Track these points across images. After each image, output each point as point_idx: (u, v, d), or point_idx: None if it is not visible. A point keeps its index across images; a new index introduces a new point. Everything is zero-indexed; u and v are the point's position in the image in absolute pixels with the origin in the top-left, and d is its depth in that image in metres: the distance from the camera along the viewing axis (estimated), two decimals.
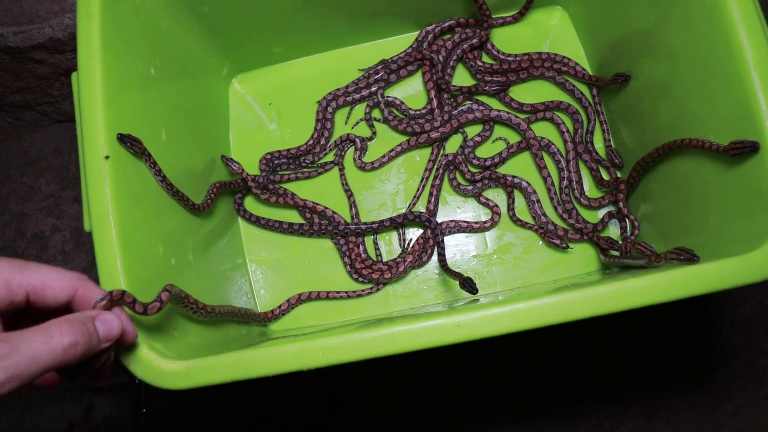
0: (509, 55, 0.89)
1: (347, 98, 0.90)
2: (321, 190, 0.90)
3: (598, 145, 0.87)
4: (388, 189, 0.89)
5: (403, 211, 0.87)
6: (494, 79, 0.88)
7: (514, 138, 0.88)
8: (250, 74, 0.94)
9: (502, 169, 0.87)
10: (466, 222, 0.85)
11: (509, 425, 1.04)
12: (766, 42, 0.57)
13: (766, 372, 1.02)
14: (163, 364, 0.54)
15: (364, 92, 0.90)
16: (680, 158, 0.69)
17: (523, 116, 0.88)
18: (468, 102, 0.89)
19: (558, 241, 0.82)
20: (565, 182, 0.85)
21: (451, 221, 0.85)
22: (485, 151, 0.88)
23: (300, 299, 0.85)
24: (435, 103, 0.88)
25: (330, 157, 0.91)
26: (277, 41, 0.90)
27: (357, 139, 0.89)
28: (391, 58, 0.90)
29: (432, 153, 0.88)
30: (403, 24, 0.91)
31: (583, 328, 1.03)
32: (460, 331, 0.52)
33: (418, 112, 0.89)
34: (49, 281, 0.45)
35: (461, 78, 0.91)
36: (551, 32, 0.91)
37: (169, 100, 0.74)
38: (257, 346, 0.57)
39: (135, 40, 0.68)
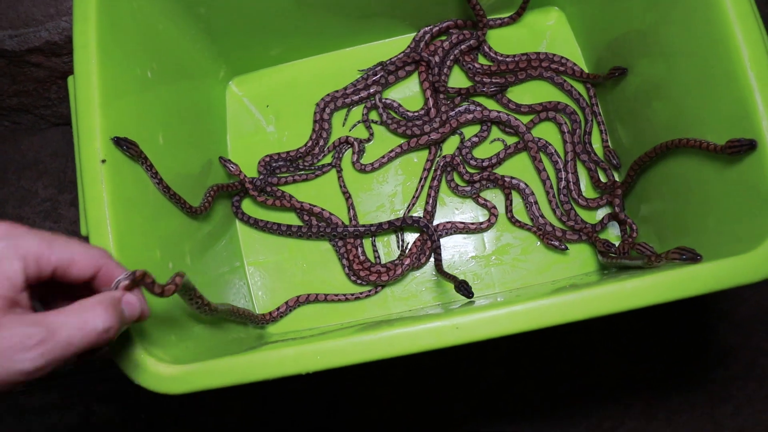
0: (507, 56, 0.89)
1: (345, 100, 0.90)
2: (319, 193, 0.89)
3: (596, 145, 0.87)
4: (386, 191, 0.89)
5: (402, 213, 0.87)
6: (492, 80, 0.88)
7: (511, 139, 0.88)
8: (247, 76, 0.94)
9: (500, 170, 0.87)
10: (463, 223, 0.85)
11: (509, 425, 1.04)
12: (762, 41, 0.57)
13: (766, 371, 1.02)
14: (161, 369, 0.53)
15: (363, 94, 0.90)
16: (678, 159, 0.69)
17: (520, 117, 0.88)
18: (465, 103, 0.89)
19: (557, 243, 0.82)
20: (563, 183, 0.85)
21: (448, 222, 0.85)
22: (483, 152, 0.88)
23: (298, 302, 0.84)
24: (431, 103, 0.88)
25: (328, 160, 0.91)
26: (275, 43, 0.90)
27: (355, 142, 0.89)
28: (389, 60, 0.90)
29: (430, 154, 0.88)
30: (400, 25, 0.91)
31: (582, 328, 1.03)
32: (459, 333, 0.52)
33: (415, 114, 0.89)
34: (77, 257, 0.44)
35: (457, 80, 0.91)
36: (548, 33, 0.91)
37: (166, 102, 0.74)
38: (256, 350, 0.57)
39: (131, 43, 0.68)
